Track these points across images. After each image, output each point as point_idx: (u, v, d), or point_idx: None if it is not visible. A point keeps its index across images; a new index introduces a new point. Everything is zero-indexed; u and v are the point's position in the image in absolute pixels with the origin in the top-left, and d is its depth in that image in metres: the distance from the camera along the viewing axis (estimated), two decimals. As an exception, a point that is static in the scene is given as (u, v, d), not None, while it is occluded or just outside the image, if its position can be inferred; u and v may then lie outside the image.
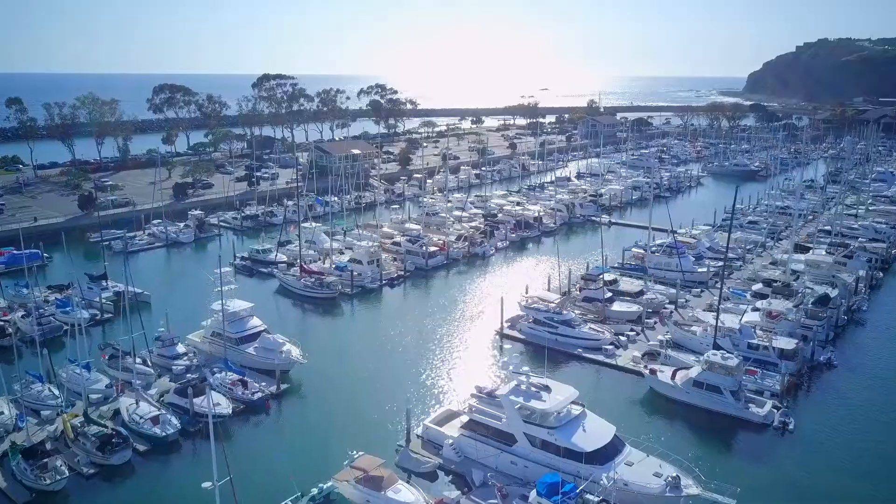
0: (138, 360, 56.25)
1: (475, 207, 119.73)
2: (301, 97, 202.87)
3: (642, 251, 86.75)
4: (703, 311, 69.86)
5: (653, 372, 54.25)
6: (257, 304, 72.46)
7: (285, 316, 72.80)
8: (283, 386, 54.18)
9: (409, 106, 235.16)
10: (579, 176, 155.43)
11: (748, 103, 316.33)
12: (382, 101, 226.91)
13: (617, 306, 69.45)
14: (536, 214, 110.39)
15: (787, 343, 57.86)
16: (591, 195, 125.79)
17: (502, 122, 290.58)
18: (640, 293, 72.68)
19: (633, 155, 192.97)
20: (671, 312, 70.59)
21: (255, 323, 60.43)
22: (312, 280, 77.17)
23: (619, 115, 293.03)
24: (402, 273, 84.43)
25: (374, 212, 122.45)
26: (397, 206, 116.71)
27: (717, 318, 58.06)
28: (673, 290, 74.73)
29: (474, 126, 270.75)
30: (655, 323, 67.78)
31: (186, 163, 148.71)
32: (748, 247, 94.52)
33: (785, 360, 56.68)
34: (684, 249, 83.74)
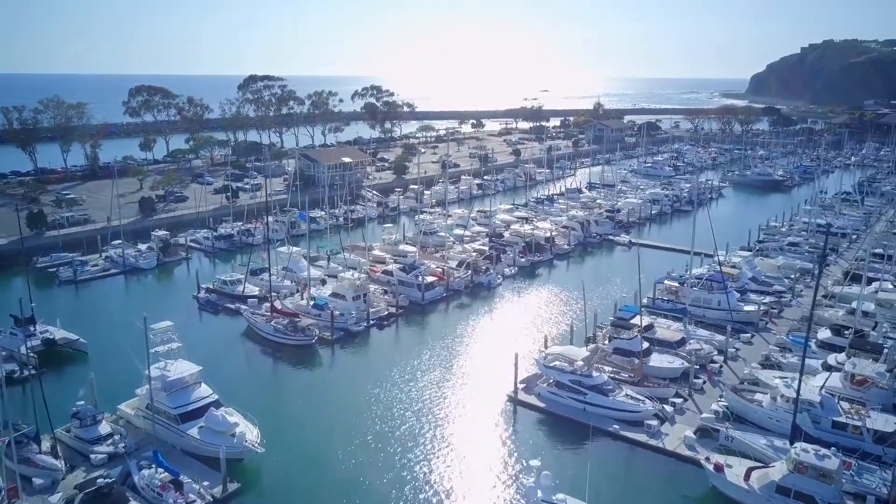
0: (46, 446, 43.44)
1: (477, 224, 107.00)
2: (291, 99, 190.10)
3: (677, 284, 73.72)
4: (761, 366, 57.12)
5: (718, 468, 41.26)
6: (218, 353, 60.24)
7: (249, 371, 59.61)
8: (232, 486, 41.11)
9: (405, 109, 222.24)
10: (591, 187, 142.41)
11: (761, 106, 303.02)
12: (378, 104, 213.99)
13: (656, 360, 56.48)
14: (548, 234, 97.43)
15: (884, 422, 44.94)
16: (607, 210, 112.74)
17: (504, 125, 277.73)
18: (682, 342, 59.72)
19: (646, 162, 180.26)
20: (720, 368, 57.75)
21: (203, 393, 47.32)
22: (285, 323, 64.12)
23: (625, 119, 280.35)
24: (394, 310, 71.43)
25: (364, 229, 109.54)
26: (390, 225, 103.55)
27: (797, 390, 44.87)
28: (720, 337, 61.81)
29: (475, 130, 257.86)
30: (704, 383, 54.90)
31: (162, 172, 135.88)
32: (795, 275, 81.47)
33: (881, 444, 43.94)
34: (728, 282, 70.74)
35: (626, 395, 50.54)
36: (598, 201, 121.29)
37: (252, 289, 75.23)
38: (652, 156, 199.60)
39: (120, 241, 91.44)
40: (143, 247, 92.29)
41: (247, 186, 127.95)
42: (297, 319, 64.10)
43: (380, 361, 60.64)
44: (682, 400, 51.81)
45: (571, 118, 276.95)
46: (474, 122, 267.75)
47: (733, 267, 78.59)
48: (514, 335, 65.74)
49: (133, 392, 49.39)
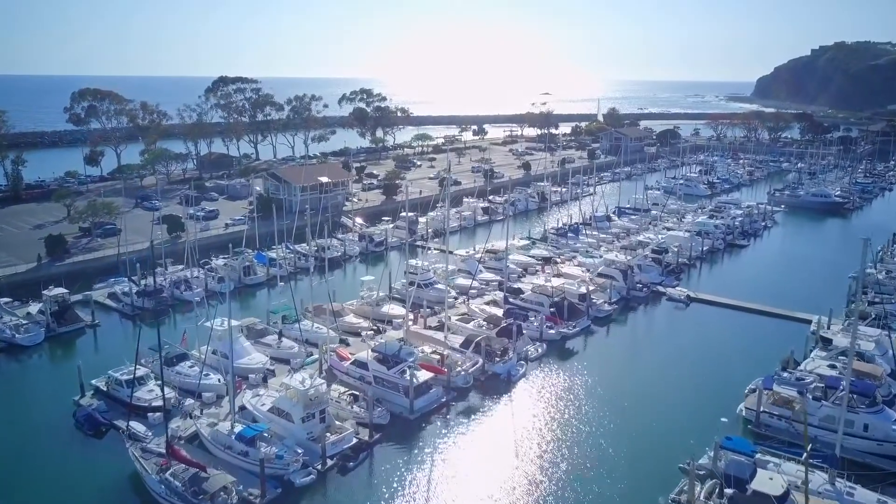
0: None
1: (485, 268, 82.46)
2: (267, 104, 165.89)
3: (794, 393, 48.95)
4: None
5: None
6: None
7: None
8: None
9: (399, 114, 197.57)
10: (620, 212, 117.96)
11: (793, 112, 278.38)
12: (368, 110, 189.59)
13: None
14: (583, 288, 72.91)
15: None
16: (653, 250, 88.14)
17: (508, 132, 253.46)
18: (846, 527, 35.38)
19: (674, 177, 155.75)
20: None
21: None
22: (186, 478, 39.53)
23: (641, 125, 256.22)
24: (366, 436, 46.78)
25: (343, 273, 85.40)
26: (370, 278, 77.89)
27: None
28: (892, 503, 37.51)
29: (479, 138, 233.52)
30: None
31: (98, 193, 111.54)
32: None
33: None
34: (876, 392, 46.33)
35: None
36: (640, 238, 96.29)
37: (150, 394, 50.11)
38: (676, 168, 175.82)
39: (5, 301, 67.33)
40: (34, 309, 67.68)
41: (199, 214, 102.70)
42: (205, 475, 39.45)
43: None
44: None
45: (584, 124, 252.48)
46: (476, 128, 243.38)
47: (860, 357, 53.45)
48: (556, 486, 41.38)
49: None
